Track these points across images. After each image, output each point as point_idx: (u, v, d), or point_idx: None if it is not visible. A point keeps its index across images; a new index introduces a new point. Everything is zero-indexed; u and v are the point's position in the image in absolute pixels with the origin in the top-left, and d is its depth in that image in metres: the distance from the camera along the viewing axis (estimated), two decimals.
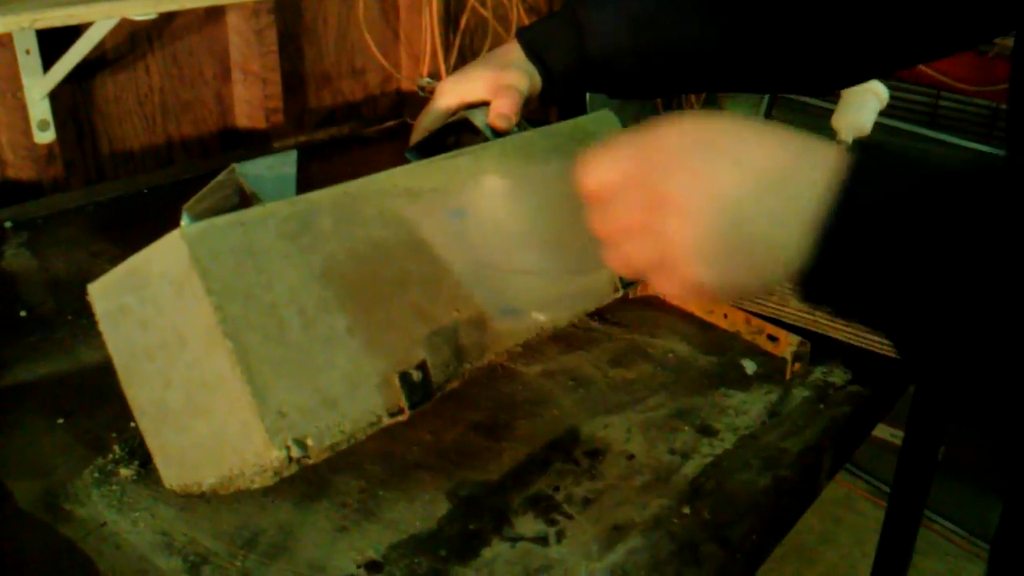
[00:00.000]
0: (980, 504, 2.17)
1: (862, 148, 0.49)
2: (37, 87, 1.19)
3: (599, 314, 0.96)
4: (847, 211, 0.47)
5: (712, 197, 0.49)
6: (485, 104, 0.82)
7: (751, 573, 0.71)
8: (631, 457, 0.76)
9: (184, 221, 0.65)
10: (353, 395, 0.63)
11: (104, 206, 1.22)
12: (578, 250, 0.78)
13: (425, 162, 0.74)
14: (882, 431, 2.19)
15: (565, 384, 0.85)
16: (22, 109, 1.20)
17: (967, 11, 0.75)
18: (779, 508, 0.73)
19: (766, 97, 2.44)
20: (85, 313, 0.66)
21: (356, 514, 0.68)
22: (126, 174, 1.36)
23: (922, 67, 1.97)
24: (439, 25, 1.64)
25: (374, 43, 1.58)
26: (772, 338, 0.91)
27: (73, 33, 1.18)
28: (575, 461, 0.75)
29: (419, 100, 1.54)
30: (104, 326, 0.66)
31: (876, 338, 0.90)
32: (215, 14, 1.41)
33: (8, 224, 1.13)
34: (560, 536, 0.67)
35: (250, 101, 1.46)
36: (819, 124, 2.33)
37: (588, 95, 1.27)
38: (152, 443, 0.67)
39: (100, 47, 1.24)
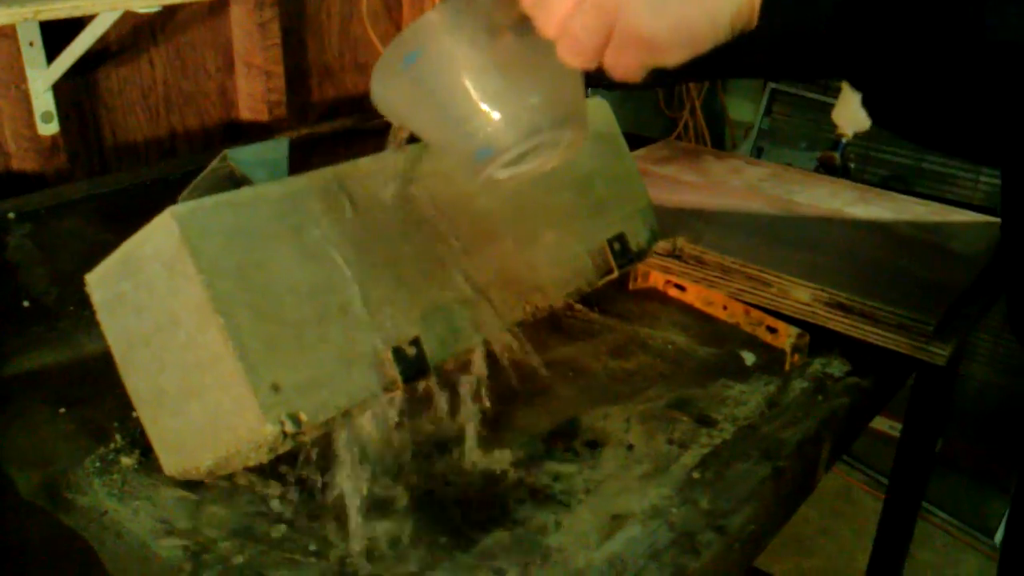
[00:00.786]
0: (977, 496, 2.18)
1: None
2: (41, 79, 1.20)
3: (599, 305, 0.97)
4: None
5: None
6: None
7: (749, 563, 0.71)
8: (630, 447, 0.76)
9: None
10: (347, 371, 0.64)
11: (107, 198, 1.22)
12: (561, 227, 0.80)
13: (416, 145, 0.75)
14: (880, 423, 2.20)
15: (565, 375, 0.86)
16: (26, 101, 1.20)
17: None
18: (777, 498, 0.73)
19: (767, 93, 2.44)
20: (87, 304, 0.66)
21: (355, 503, 0.69)
22: (129, 166, 1.37)
23: None
24: None
25: (377, 37, 1.58)
26: (771, 330, 0.92)
27: (77, 25, 1.19)
28: (574, 451, 0.75)
29: None
30: (102, 316, 0.67)
31: (875, 330, 0.90)
32: (218, 7, 1.41)
33: (12, 215, 1.14)
34: (559, 525, 0.67)
35: (253, 94, 1.46)
36: (819, 118, 2.34)
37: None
38: (151, 430, 0.68)
39: (104, 39, 1.25)
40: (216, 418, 0.62)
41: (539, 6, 0.54)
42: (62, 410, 0.78)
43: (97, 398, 0.78)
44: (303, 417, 0.61)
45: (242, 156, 0.65)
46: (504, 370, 0.80)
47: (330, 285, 0.65)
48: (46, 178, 1.24)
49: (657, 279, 1.02)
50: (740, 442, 0.77)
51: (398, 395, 0.67)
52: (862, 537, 2.04)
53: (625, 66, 0.54)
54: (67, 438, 0.75)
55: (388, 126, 0.68)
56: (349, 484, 0.70)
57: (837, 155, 1.49)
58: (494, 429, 0.78)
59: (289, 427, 0.60)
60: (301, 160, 0.68)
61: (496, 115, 0.57)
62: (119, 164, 1.36)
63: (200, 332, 0.60)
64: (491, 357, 0.75)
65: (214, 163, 0.65)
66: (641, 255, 0.91)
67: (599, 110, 0.90)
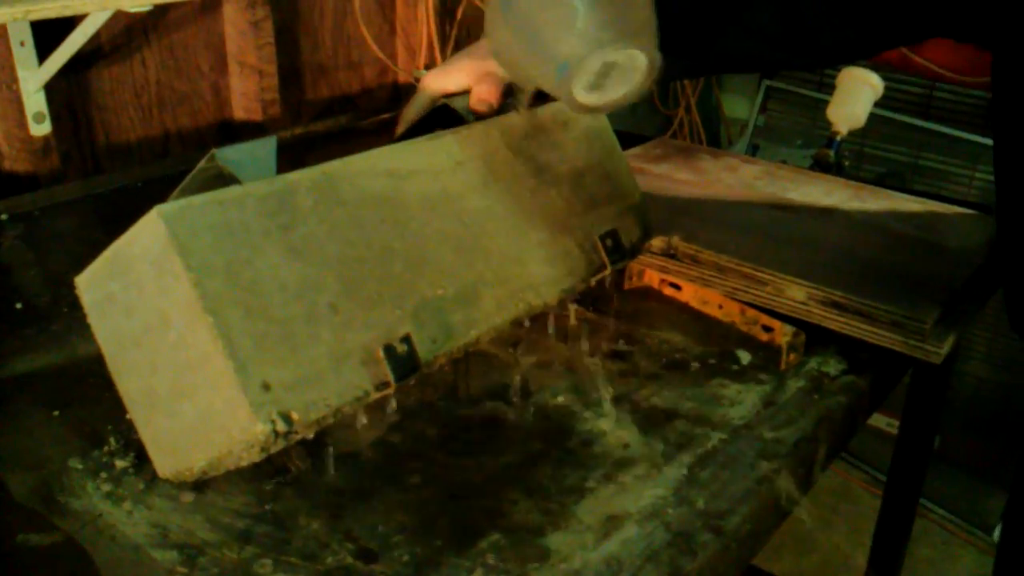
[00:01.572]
0: (975, 493, 2.18)
1: None
2: (32, 79, 1.19)
3: (594, 304, 0.97)
4: None
5: None
6: (467, 92, 0.83)
7: (746, 563, 0.71)
8: (626, 447, 0.76)
9: None
10: (338, 369, 0.63)
11: (100, 198, 1.22)
12: (553, 224, 0.81)
13: (405, 143, 0.75)
14: (878, 420, 2.20)
15: (560, 374, 0.85)
16: (17, 101, 1.20)
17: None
18: (773, 498, 0.73)
19: (762, 90, 2.44)
20: (81, 305, 0.66)
21: (352, 504, 0.69)
22: (122, 166, 1.37)
23: (916, 57, 1.97)
24: (435, 17, 1.64)
25: (371, 35, 1.58)
26: (767, 328, 0.92)
27: (68, 25, 1.18)
28: (570, 451, 0.75)
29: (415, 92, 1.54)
30: (92, 317, 0.66)
31: (871, 328, 0.90)
32: (211, 6, 1.41)
33: (4, 216, 1.13)
34: (555, 526, 0.67)
35: (246, 93, 1.46)
36: (814, 116, 2.33)
37: None
38: (143, 432, 0.67)
39: (95, 39, 1.24)
40: (208, 418, 0.61)
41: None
42: (56, 413, 0.78)
43: (91, 401, 0.78)
44: (294, 416, 0.60)
45: (230, 155, 0.65)
46: (498, 368, 0.80)
47: (320, 282, 0.64)
48: (38, 179, 1.23)
49: (652, 278, 1.01)
50: (736, 442, 0.77)
51: (390, 393, 0.66)
52: (860, 534, 2.04)
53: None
54: (61, 441, 0.74)
55: (384, 124, 0.69)
56: (345, 485, 0.70)
57: (832, 152, 1.49)
58: (489, 429, 0.78)
59: (280, 426, 0.60)
60: (296, 159, 0.68)
61: (569, 33, 0.65)
62: (112, 164, 1.36)
63: (190, 331, 0.60)
64: (488, 354, 0.75)
65: (202, 163, 0.65)
66: (634, 251, 0.91)
67: None
